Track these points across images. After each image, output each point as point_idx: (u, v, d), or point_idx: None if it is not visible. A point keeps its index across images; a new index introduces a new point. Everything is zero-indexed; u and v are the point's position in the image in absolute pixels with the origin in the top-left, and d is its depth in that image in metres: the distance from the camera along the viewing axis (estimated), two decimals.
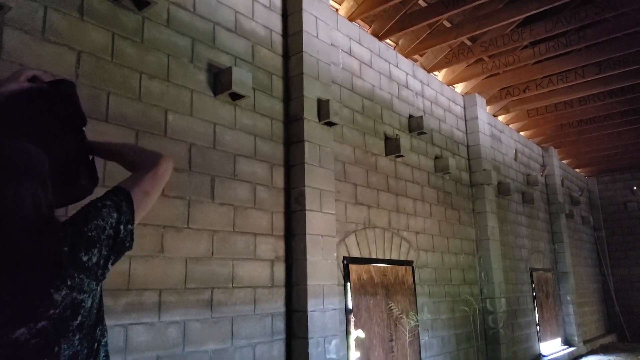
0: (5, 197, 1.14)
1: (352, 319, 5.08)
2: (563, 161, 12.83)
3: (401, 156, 6.24)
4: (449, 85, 7.96)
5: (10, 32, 2.89)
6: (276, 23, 4.87)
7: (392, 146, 6.16)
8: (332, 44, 5.43)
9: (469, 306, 7.23)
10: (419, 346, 6.01)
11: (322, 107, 4.79)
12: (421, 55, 7.26)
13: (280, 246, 4.37)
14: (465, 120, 8.24)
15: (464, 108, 8.28)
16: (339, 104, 5.07)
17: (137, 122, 3.45)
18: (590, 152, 12.52)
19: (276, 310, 4.22)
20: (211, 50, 4.13)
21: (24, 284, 1.12)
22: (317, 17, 5.04)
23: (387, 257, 5.85)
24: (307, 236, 4.36)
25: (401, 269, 6.11)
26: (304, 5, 4.88)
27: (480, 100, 8.33)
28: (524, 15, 6.19)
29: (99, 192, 1.44)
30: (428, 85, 7.37)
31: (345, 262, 5.12)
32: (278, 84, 4.74)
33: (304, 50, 4.78)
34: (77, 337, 1.19)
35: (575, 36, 6.89)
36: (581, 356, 10.34)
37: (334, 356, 4.38)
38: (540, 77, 8.25)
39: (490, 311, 7.54)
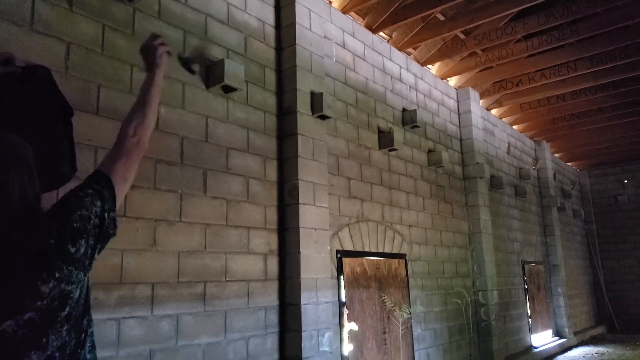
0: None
1: (346, 311, 5.10)
2: (555, 155, 12.90)
3: (395, 150, 6.24)
4: (442, 79, 7.96)
5: None
6: (269, 15, 4.83)
7: (385, 140, 6.16)
8: (325, 37, 5.40)
9: (461, 299, 7.27)
10: (412, 338, 6.05)
11: (316, 100, 4.77)
12: (415, 49, 7.25)
13: (273, 240, 4.37)
14: (459, 114, 8.25)
15: (458, 101, 8.29)
16: (333, 97, 5.06)
17: None
18: (582, 146, 12.60)
19: (269, 304, 4.22)
20: (203, 43, 4.09)
21: (10, 276, 1.11)
22: (310, 10, 5.01)
23: (381, 251, 5.86)
24: (301, 230, 4.35)
25: (394, 262, 6.13)
26: None
27: (473, 94, 8.34)
28: (517, 9, 6.19)
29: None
30: (422, 79, 7.36)
31: (338, 255, 5.13)
32: (271, 77, 4.71)
33: (297, 42, 4.75)
34: (65, 328, 1.18)
35: (567, 30, 6.91)
36: (571, 347, 10.46)
37: (327, 349, 4.40)
38: (533, 71, 8.27)
39: (482, 304, 7.59)
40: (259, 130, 4.46)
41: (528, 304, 9.55)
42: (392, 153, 6.36)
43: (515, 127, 10.64)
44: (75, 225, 1.23)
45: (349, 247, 5.33)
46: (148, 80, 1.66)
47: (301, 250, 4.32)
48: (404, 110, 6.75)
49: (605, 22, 6.73)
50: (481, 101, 8.92)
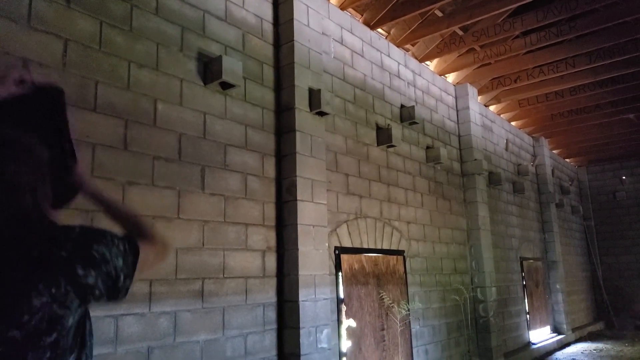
0: (4, 182, 1.11)
1: (344, 308, 5.11)
2: (553, 151, 12.91)
3: (393, 146, 6.24)
4: (440, 75, 7.95)
5: None
6: (267, 11, 4.82)
7: (383, 136, 6.16)
8: (323, 33, 5.39)
9: (460, 295, 7.29)
10: (410, 335, 6.06)
11: (314, 97, 4.77)
12: (413, 45, 7.24)
13: (271, 236, 4.37)
14: (457, 110, 8.25)
15: (456, 98, 8.28)
16: (331, 94, 5.05)
17: (126, 112, 3.41)
18: (581, 142, 12.61)
19: (268, 301, 4.22)
20: (201, 39, 4.08)
21: (7, 278, 1.06)
22: (308, 6, 5.00)
23: (379, 247, 5.87)
24: (299, 226, 4.36)
25: (392, 259, 6.14)
26: None
27: (471, 90, 8.33)
28: (515, 5, 6.17)
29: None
30: (420, 75, 7.35)
31: (336, 252, 5.13)
32: (269, 73, 4.70)
33: (295, 39, 4.74)
34: (47, 355, 1.07)
35: (566, 26, 6.90)
36: (569, 343, 10.49)
37: (325, 345, 4.41)
38: (532, 67, 8.26)
39: (481, 300, 7.61)
40: (257, 126, 4.45)
41: (526, 300, 9.57)
42: (391, 149, 6.36)
43: (513, 123, 10.64)
44: (93, 253, 1.17)
45: (347, 243, 5.33)
46: None
47: (299, 247, 4.32)
48: (402, 106, 6.74)
49: (604, 18, 6.72)
50: (479, 97, 8.91)
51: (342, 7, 5.85)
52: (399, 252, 6.22)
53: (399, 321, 5.88)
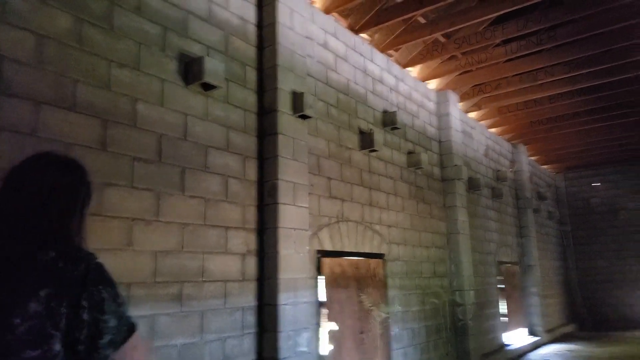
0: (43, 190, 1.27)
1: (324, 311, 5.10)
2: (532, 158, 13.15)
3: (375, 151, 6.28)
4: (423, 81, 8.03)
5: None
6: (250, 13, 4.80)
7: (366, 141, 6.19)
8: (307, 37, 5.39)
9: (439, 298, 7.36)
10: (389, 338, 6.09)
11: (297, 100, 4.76)
12: (396, 51, 7.29)
13: (252, 239, 4.34)
14: (438, 116, 8.33)
15: (437, 104, 8.37)
16: (314, 97, 5.06)
17: (105, 112, 3.35)
18: (558, 149, 12.87)
19: (247, 304, 4.19)
20: (183, 40, 4.04)
21: (12, 279, 1.11)
22: (292, 9, 4.99)
23: (360, 251, 5.89)
24: (280, 230, 4.34)
25: (373, 262, 6.17)
26: None
27: (452, 97, 8.43)
28: (496, 14, 6.28)
29: None
30: (402, 81, 7.41)
31: (318, 255, 5.13)
32: (252, 76, 4.68)
33: (278, 41, 4.73)
34: None
35: (545, 36, 7.03)
36: (543, 345, 10.68)
37: (304, 349, 4.40)
38: (512, 75, 8.40)
39: (459, 303, 7.69)
40: (239, 128, 4.42)
41: (503, 303, 9.71)
42: (373, 154, 6.40)
43: (493, 130, 10.80)
44: (100, 293, 1.24)
45: (328, 247, 5.33)
46: None
47: (280, 250, 4.30)
48: (384, 111, 6.78)
49: (581, 29, 6.87)
50: (460, 104, 9.03)
51: (327, 11, 5.86)
52: (379, 256, 6.25)
53: (379, 324, 5.91)
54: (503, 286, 9.86)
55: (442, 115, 8.31)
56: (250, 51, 4.72)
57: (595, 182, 14.70)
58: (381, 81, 6.86)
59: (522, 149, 11.84)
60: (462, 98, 8.92)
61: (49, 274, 1.15)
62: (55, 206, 1.28)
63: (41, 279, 1.13)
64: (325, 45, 5.80)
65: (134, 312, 3.28)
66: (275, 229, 4.34)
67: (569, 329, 13.08)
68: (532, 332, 10.93)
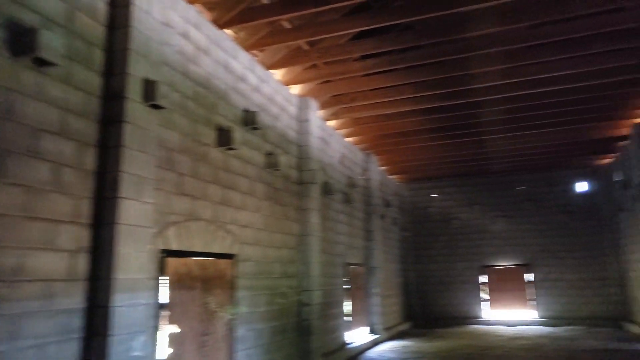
0: None
1: (165, 314, 4.87)
2: (381, 168, 14.23)
3: (233, 149, 6.21)
4: (286, 85, 8.17)
5: None
6: None
7: (224, 138, 6.08)
8: (166, 24, 5.12)
9: (286, 299, 7.53)
10: (234, 339, 6.04)
11: (149, 88, 4.48)
12: (261, 51, 7.32)
13: (85, 235, 3.96)
14: (299, 121, 8.56)
15: (299, 109, 8.59)
16: (169, 88, 4.82)
17: None
18: (404, 162, 14.13)
19: (75, 306, 3.80)
20: (14, 5, 3.53)
21: None
22: None
23: (210, 251, 5.75)
24: (119, 226, 4.03)
25: (223, 263, 6.07)
26: None
27: (313, 104, 8.73)
28: (356, 30, 6.67)
29: None
30: (266, 83, 7.46)
31: (162, 255, 4.87)
32: (99, 57, 4.28)
33: (132, 24, 4.41)
34: None
35: (397, 57, 7.67)
36: (382, 342, 11.60)
37: (139, 353, 4.13)
38: (368, 90, 9.00)
39: (306, 303, 7.96)
40: (79, 113, 4.01)
41: (347, 303, 10.32)
42: (231, 152, 6.31)
43: (349, 139, 11.45)
44: None
45: (175, 246, 5.11)
46: None
47: (118, 248, 3.99)
48: (245, 110, 6.75)
49: (427, 55, 7.64)
50: (320, 112, 9.40)
51: (190, 1, 5.64)
52: (230, 256, 6.18)
53: (224, 325, 5.83)
54: (349, 286, 10.48)
55: (302, 121, 8.55)
56: (99, 31, 4.32)
57: (434, 193, 16.47)
58: (244, 80, 6.82)
59: (374, 159, 12.76)
60: (322, 106, 9.29)
61: None
62: None
63: None
64: (185, 36, 5.57)
65: None
66: (113, 225, 4.01)
67: (405, 326, 14.40)
68: (372, 331, 11.80)
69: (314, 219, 8.42)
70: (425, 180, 16.51)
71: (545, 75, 8.32)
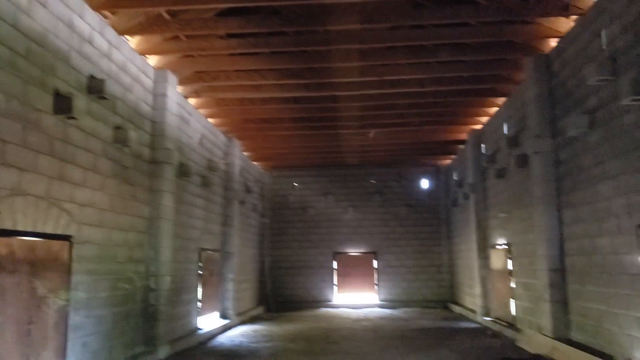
0: None
1: None
2: (244, 153, 14.11)
3: (74, 118, 5.57)
4: (141, 55, 7.58)
5: None
6: None
7: (63, 105, 5.42)
8: None
9: (132, 284, 7.05)
10: (67, 327, 5.47)
11: None
12: (113, 14, 6.65)
13: None
14: (154, 95, 8.02)
15: (155, 83, 8.04)
16: None
17: None
18: (267, 149, 14.21)
19: None
20: None
21: None
22: None
23: (40, 231, 5.10)
24: None
25: (57, 244, 5.44)
26: None
27: (172, 78, 8.25)
28: (221, 5, 6.45)
29: None
30: (117, 49, 6.82)
31: None
32: None
33: None
34: None
35: (262, 40, 7.60)
36: (233, 327, 11.56)
37: None
38: (232, 70, 8.79)
39: (153, 289, 7.55)
40: None
41: (200, 288, 10.06)
42: (71, 122, 5.66)
43: (210, 120, 11.10)
44: None
45: None
46: None
47: None
48: (91, 77, 6.09)
49: (292, 42, 7.72)
50: (180, 88, 8.93)
51: None
52: (65, 237, 5.56)
53: (55, 313, 5.23)
54: (203, 272, 10.22)
55: (158, 95, 8.03)
56: None
57: (294, 182, 16.87)
58: (91, 42, 6.14)
59: (236, 143, 12.58)
60: (182, 82, 8.84)
61: None
62: None
63: None
64: None
65: None
66: None
67: (257, 311, 14.55)
68: (224, 316, 11.69)
69: (167, 201, 7.99)
70: (287, 169, 16.82)
71: (397, 77, 9.01)
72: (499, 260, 10.74)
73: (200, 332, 9.66)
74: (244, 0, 6.34)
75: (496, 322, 10.45)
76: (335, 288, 16.32)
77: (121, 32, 6.85)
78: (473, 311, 12.49)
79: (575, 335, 6.95)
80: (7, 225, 4.62)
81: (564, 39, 7.14)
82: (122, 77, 6.96)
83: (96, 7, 6.18)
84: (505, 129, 9.86)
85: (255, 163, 15.64)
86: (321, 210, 16.68)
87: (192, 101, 9.86)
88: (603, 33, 6.01)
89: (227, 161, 12.26)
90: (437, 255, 16.19)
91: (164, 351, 7.62)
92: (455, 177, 14.76)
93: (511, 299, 9.78)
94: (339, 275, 16.45)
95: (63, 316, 5.43)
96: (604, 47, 6.00)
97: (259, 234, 15.90)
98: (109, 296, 6.48)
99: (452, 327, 11.04)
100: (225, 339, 9.86)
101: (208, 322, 10.56)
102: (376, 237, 16.41)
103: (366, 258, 16.43)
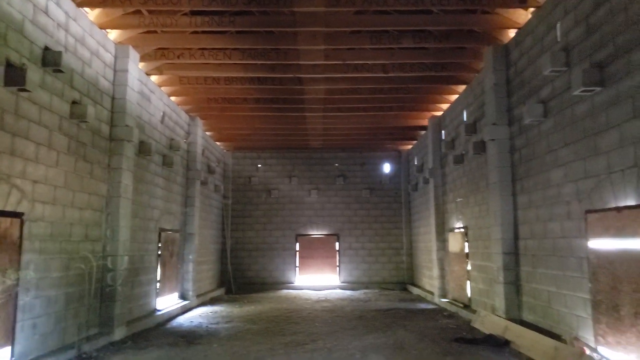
0: None
1: None
2: (207, 133, 13.89)
3: (27, 91, 5.36)
4: (101, 28, 7.31)
5: None
6: None
7: (15, 76, 5.20)
8: None
9: (87, 264, 6.91)
10: (15, 308, 5.32)
11: None
12: None
13: None
14: (114, 71, 7.78)
15: (115, 58, 7.80)
16: None
17: None
18: (230, 129, 14.03)
19: None
20: None
21: None
22: None
23: None
24: None
25: (6, 221, 5.25)
26: None
27: (133, 54, 8.02)
28: None
29: None
30: (75, 21, 6.56)
31: None
32: None
33: None
34: None
35: (227, 19, 7.47)
36: (193, 308, 11.51)
37: None
38: (196, 48, 8.61)
39: (110, 269, 7.42)
40: None
41: (159, 269, 9.94)
42: (24, 94, 5.45)
43: (173, 98, 10.86)
44: None
45: None
46: None
47: None
48: (46, 48, 5.85)
49: (257, 23, 7.62)
50: (141, 64, 8.69)
51: None
52: (16, 215, 5.38)
53: (3, 293, 5.08)
54: (162, 253, 10.09)
55: (119, 71, 7.80)
56: None
57: (257, 163, 16.77)
58: (46, 12, 5.88)
59: (199, 122, 12.37)
60: (144, 59, 8.60)
61: None
62: None
63: None
64: None
65: None
66: None
67: (218, 293, 14.51)
68: (183, 297, 11.61)
69: (126, 180, 7.82)
70: (250, 150, 16.69)
71: (361, 62, 9.06)
72: (456, 243, 11.10)
73: (158, 313, 9.57)
74: None
75: (452, 304, 10.84)
76: (297, 270, 16.45)
77: (80, 4, 6.59)
78: (431, 293, 12.89)
79: (527, 316, 7.32)
80: None
81: (522, 30, 7.36)
82: (80, 50, 6.71)
83: None
84: (464, 116, 10.12)
85: (218, 143, 15.45)
86: (284, 192, 16.69)
87: (154, 78, 9.61)
88: (558, 25, 6.24)
89: (189, 140, 12.06)
90: (397, 238, 16.55)
91: (120, 332, 7.53)
92: (415, 162, 15.06)
93: (467, 281, 10.15)
94: (301, 257, 16.57)
95: (12, 296, 5.28)
96: (558, 39, 6.23)
97: (221, 215, 15.79)
98: (62, 276, 6.33)
99: (410, 309, 11.37)
100: (184, 320, 9.82)
101: (167, 303, 10.47)
102: (338, 220, 16.59)
103: (328, 240, 16.61)
